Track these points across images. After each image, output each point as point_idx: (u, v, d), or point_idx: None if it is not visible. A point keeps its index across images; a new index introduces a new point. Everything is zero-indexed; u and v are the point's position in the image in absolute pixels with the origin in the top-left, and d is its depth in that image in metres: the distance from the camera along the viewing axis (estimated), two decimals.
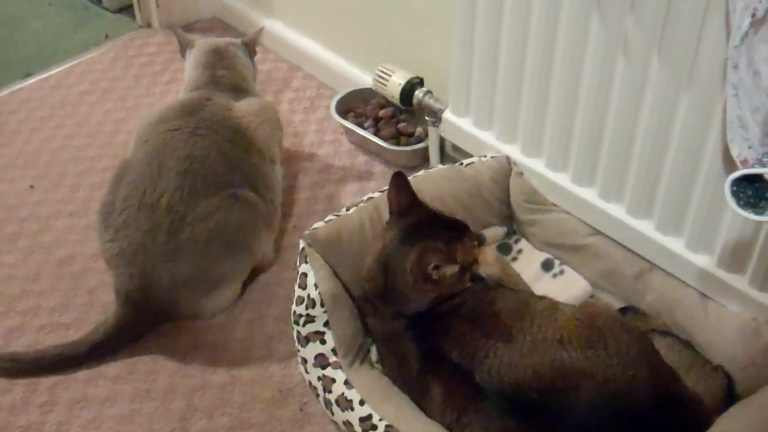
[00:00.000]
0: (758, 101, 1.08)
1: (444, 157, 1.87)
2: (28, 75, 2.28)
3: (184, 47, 1.84)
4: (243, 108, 1.68)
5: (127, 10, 2.54)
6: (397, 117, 1.98)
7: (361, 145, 1.98)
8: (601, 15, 1.32)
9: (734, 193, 1.00)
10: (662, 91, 1.29)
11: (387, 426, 1.24)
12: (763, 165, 1.02)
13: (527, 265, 1.55)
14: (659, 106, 1.30)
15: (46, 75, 2.27)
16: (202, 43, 1.82)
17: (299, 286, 1.37)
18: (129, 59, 2.33)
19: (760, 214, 0.99)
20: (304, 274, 1.36)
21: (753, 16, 1.04)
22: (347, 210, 1.47)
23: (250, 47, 1.86)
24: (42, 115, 2.12)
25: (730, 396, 1.29)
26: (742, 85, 1.08)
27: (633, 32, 1.28)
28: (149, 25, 2.47)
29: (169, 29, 2.38)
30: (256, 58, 1.89)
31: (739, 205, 1.00)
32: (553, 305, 1.27)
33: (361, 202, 1.48)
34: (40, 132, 2.07)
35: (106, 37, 2.45)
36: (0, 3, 2.63)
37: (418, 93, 1.80)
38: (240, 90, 1.75)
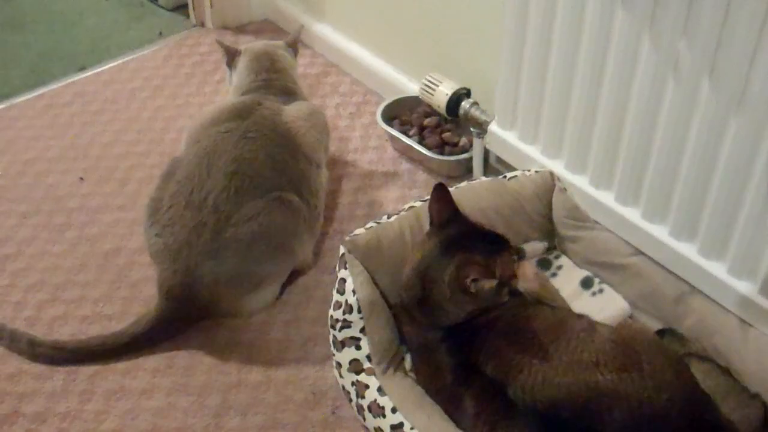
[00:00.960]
0: None
1: (487, 169, 1.87)
2: (82, 69, 2.33)
3: (232, 56, 1.83)
4: (292, 113, 1.70)
5: (181, 8, 2.58)
6: (442, 126, 1.99)
7: (405, 152, 1.99)
8: (653, 35, 1.31)
9: None
10: (711, 113, 1.27)
11: None
12: None
13: (566, 281, 1.54)
14: (708, 129, 1.29)
15: (99, 70, 2.32)
16: (250, 48, 1.84)
17: (337, 291, 1.38)
18: (181, 58, 2.37)
19: None
20: (343, 280, 1.38)
21: None
22: (388, 218, 1.47)
23: (294, 47, 1.89)
24: (94, 109, 2.17)
25: (766, 425, 1.27)
26: None
27: (684, 54, 1.27)
28: (203, 25, 2.51)
29: (223, 29, 2.43)
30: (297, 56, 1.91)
31: None
32: (591, 326, 1.26)
33: (403, 211, 1.49)
34: (91, 125, 2.11)
35: (160, 34, 2.49)
36: None
37: (465, 104, 1.80)
38: (289, 92, 1.78)
